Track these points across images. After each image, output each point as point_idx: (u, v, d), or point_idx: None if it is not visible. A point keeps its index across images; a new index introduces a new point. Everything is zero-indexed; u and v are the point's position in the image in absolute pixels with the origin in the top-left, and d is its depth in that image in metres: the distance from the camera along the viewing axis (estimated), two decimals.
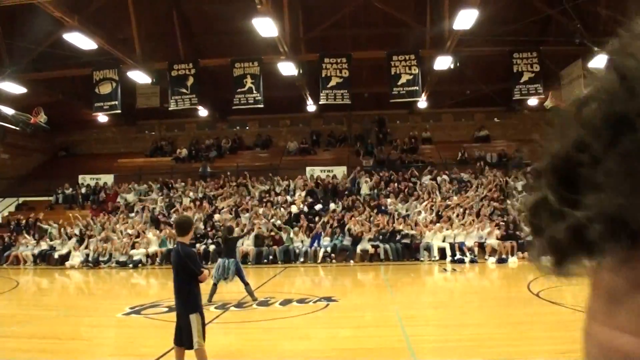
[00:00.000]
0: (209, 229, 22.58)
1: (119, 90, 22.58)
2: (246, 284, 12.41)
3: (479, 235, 20.73)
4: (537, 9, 21.57)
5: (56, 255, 22.36)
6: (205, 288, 12.88)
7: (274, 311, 11.38)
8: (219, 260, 12.72)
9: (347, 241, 21.31)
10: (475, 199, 23.59)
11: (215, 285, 12.42)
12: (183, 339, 6.39)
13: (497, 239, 20.50)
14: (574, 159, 0.43)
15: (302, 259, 21.00)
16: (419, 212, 22.72)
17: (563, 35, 21.58)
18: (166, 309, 10.71)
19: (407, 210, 23.10)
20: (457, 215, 21.92)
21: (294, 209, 24.07)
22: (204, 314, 6.50)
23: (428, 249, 20.69)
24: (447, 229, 21.06)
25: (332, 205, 24.05)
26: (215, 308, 11.49)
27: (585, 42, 20.10)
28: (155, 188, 27.43)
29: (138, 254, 21.36)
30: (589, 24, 20.79)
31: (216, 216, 23.11)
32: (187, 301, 6.38)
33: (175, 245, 6.70)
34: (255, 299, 12.24)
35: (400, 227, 21.43)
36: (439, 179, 26.10)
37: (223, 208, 23.98)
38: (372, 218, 22.43)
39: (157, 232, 22.30)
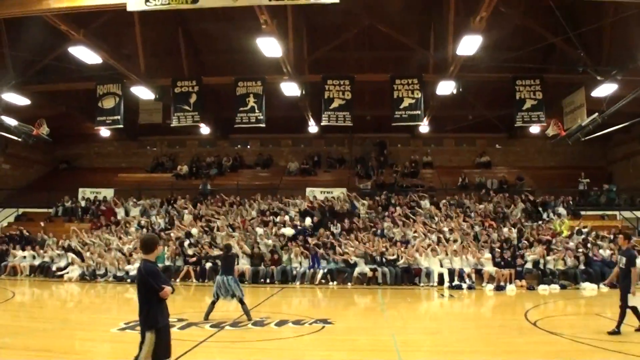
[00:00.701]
0: (206, 246, 22.46)
1: (122, 105, 22.66)
2: (242, 303, 12.38)
3: (473, 262, 20.59)
4: (541, 36, 21.66)
5: (54, 268, 22.27)
6: (202, 307, 12.90)
7: (269, 331, 11.30)
8: (218, 278, 12.66)
9: (343, 263, 21.19)
10: (468, 225, 23.49)
11: (213, 303, 12.39)
12: (158, 353, 6.40)
13: (493, 265, 20.41)
14: None
15: (298, 282, 20.82)
16: (415, 237, 22.48)
17: (566, 63, 21.70)
18: None
19: (405, 235, 22.90)
20: (450, 241, 21.76)
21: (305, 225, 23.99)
22: (165, 335, 6.50)
23: (428, 274, 20.51)
24: (441, 253, 20.94)
25: (321, 230, 23.71)
26: (211, 326, 11.41)
27: (588, 70, 20.19)
28: (156, 204, 27.34)
29: (134, 269, 21.26)
30: (593, 52, 20.90)
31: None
32: (147, 317, 6.45)
33: (140, 263, 6.69)
34: (251, 318, 12.18)
35: (392, 252, 21.23)
36: (441, 203, 25.99)
37: (220, 226, 23.82)
38: (365, 241, 22.24)
39: None
